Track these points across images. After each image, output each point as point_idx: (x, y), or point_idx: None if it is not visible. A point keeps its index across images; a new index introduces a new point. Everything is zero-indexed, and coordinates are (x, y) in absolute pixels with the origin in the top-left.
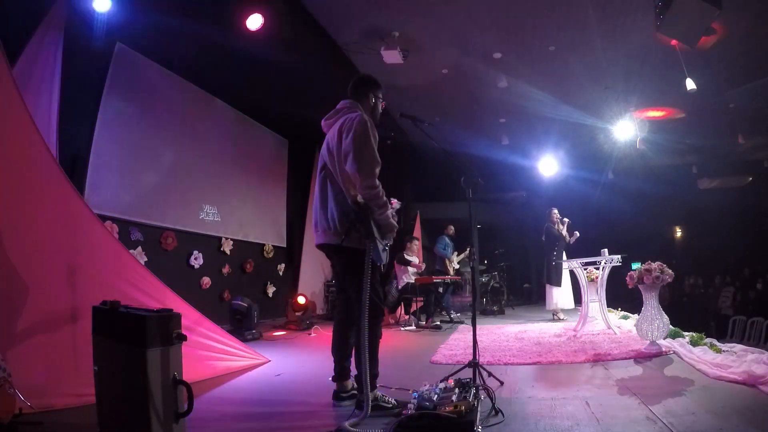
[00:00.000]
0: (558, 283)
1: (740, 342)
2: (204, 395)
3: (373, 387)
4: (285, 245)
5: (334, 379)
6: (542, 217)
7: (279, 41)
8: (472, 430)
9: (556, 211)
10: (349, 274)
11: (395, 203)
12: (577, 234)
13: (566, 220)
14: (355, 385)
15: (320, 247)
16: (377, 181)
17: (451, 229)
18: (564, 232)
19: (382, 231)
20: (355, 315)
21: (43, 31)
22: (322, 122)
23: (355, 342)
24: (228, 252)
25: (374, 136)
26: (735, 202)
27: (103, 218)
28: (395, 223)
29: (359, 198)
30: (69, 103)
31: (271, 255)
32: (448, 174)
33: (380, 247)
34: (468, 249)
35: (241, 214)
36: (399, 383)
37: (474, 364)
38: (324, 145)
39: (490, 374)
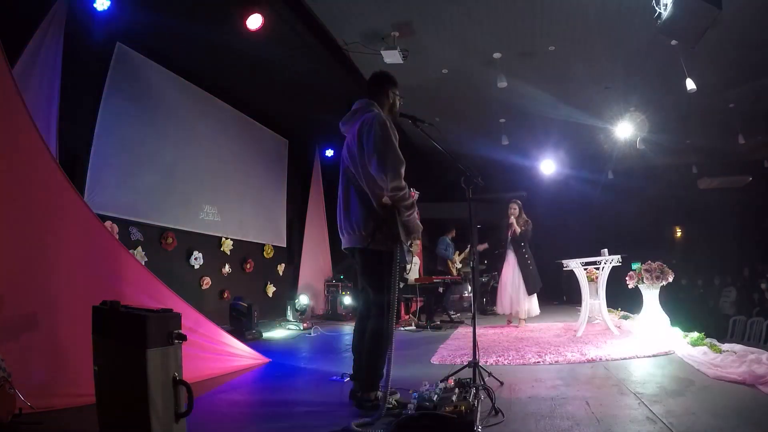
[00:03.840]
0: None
1: (740, 342)
2: (204, 395)
3: (377, 388)
4: (285, 245)
5: (351, 377)
6: (542, 218)
7: (279, 41)
8: (472, 430)
9: (514, 205)
10: (375, 275)
11: (414, 194)
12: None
13: (527, 220)
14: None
15: (346, 250)
16: (403, 182)
17: (453, 232)
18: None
19: (408, 232)
20: (377, 315)
21: (43, 31)
22: (341, 125)
23: (372, 343)
24: (228, 252)
25: (395, 135)
26: (735, 202)
27: (103, 218)
28: (420, 224)
29: (385, 200)
30: (69, 103)
31: (271, 255)
32: (447, 174)
33: (405, 248)
34: (468, 247)
35: (241, 214)
36: (399, 383)
37: (474, 364)
38: (344, 148)
39: (490, 374)
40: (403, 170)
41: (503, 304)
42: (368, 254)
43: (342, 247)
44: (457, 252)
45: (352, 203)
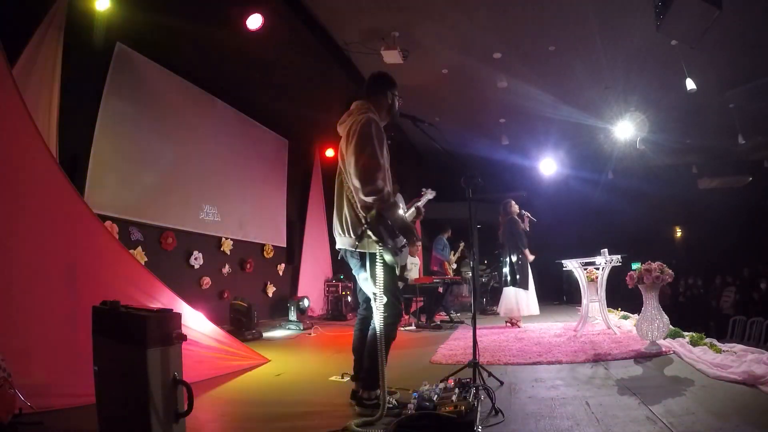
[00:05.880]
0: (526, 286)
1: (740, 342)
2: (204, 395)
3: (377, 388)
4: (285, 245)
5: (352, 378)
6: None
7: (279, 41)
8: (472, 430)
9: (514, 203)
10: (369, 277)
11: (429, 193)
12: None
13: (525, 213)
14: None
15: (339, 250)
16: (380, 183)
17: (449, 231)
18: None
19: (403, 232)
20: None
21: (43, 31)
22: (338, 126)
23: (372, 343)
24: (228, 252)
25: (379, 138)
26: (735, 202)
27: (103, 218)
28: (410, 224)
29: (367, 202)
30: (69, 103)
31: (271, 255)
32: (448, 174)
33: (397, 246)
34: (462, 245)
35: (241, 214)
36: (399, 383)
37: (474, 364)
38: (339, 150)
39: (490, 374)
40: (379, 175)
41: (532, 306)
42: (357, 256)
43: (336, 247)
44: (452, 252)
45: (344, 205)
